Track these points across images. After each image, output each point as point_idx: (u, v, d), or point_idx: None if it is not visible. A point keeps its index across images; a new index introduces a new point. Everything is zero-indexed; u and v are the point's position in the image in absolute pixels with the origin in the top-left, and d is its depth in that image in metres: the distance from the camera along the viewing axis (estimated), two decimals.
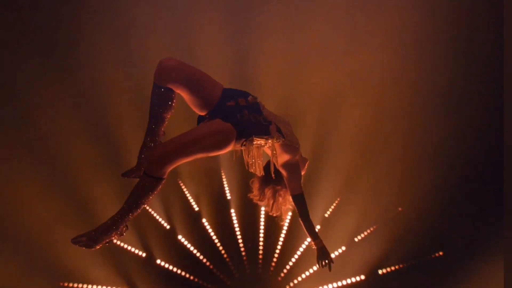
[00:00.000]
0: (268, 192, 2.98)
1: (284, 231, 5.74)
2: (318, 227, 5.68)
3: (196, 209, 5.71)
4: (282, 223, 3.14)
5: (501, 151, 4.22)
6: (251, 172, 2.72)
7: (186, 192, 5.70)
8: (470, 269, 5.04)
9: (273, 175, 2.83)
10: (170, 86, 2.59)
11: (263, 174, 2.74)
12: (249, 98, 2.73)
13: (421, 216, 5.36)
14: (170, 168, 2.41)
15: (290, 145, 2.81)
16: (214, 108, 2.67)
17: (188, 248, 5.63)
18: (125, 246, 5.46)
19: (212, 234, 5.71)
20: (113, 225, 2.43)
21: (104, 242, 2.47)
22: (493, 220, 4.93)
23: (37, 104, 5.02)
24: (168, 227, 5.64)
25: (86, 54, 5.11)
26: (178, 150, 2.40)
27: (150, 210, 5.59)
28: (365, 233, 5.60)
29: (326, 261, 2.98)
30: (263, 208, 5.73)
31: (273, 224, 5.75)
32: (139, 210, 2.46)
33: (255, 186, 3.02)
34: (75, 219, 5.08)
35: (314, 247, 3.02)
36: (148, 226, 5.52)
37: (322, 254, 2.99)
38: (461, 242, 5.26)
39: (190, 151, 2.43)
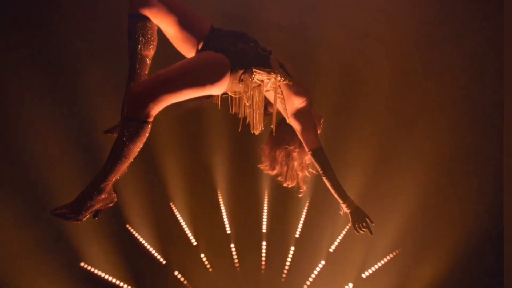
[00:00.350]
0: (280, 156, 2.56)
1: (286, 268, 5.43)
2: (322, 263, 5.38)
3: (194, 243, 5.41)
4: (300, 195, 2.70)
5: None
6: (252, 130, 2.30)
7: (184, 226, 5.42)
8: None
9: (274, 127, 2.40)
10: (147, 13, 2.19)
11: (263, 129, 2.34)
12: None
13: (437, 249, 4.98)
14: (154, 108, 2.02)
15: (299, 86, 2.40)
16: (202, 46, 2.27)
17: (186, 285, 5.29)
18: (117, 282, 5.11)
19: (211, 270, 5.39)
20: (95, 187, 2.08)
21: (89, 212, 2.12)
22: None
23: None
24: (164, 262, 5.32)
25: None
26: (163, 84, 2.02)
27: (144, 243, 5.28)
28: (373, 268, 5.26)
29: (364, 223, 2.52)
30: (264, 243, 5.48)
31: (275, 261, 5.45)
32: (123, 166, 2.06)
33: (265, 152, 2.62)
34: (52, 251, 4.71)
35: (346, 210, 2.56)
36: (142, 260, 5.20)
37: (358, 216, 2.52)
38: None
39: (177, 86, 2.04)
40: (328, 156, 4.84)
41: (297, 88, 2.40)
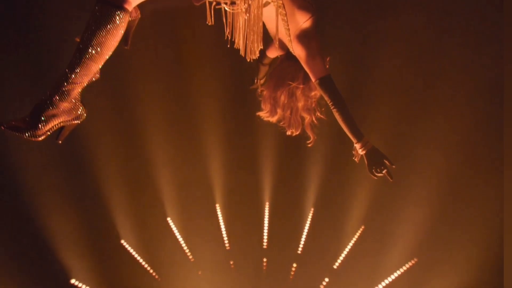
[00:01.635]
0: (282, 97, 2.25)
1: (288, 286, 5.21)
2: (326, 280, 5.13)
3: (192, 260, 5.21)
4: (309, 145, 2.38)
5: None
6: (248, 56, 2.00)
7: (181, 241, 5.23)
8: None
9: (276, 43, 2.09)
10: None
11: (262, 47, 2.05)
12: None
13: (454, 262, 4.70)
14: None
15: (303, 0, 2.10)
16: None
17: None
18: None
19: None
20: (57, 90, 1.67)
21: (50, 126, 1.70)
22: None
23: None
24: (159, 279, 5.10)
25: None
26: None
27: (138, 258, 5.07)
28: (381, 286, 5.01)
29: (382, 166, 2.19)
30: (265, 259, 5.28)
31: (276, 278, 5.23)
32: (92, 63, 1.69)
33: (265, 96, 2.30)
34: (40, 266, 4.49)
35: (360, 152, 2.23)
36: (135, 276, 4.99)
37: (375, 158, 2.19)
38: None
39: None
40: (336, 158, 4.77)
41: (301, 2, 2.10)
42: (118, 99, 4.68)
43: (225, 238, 5.30)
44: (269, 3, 2.07)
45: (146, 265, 5.08)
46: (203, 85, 4.86)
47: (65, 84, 1.69)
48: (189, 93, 4.91)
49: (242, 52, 2.07)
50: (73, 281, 4.73)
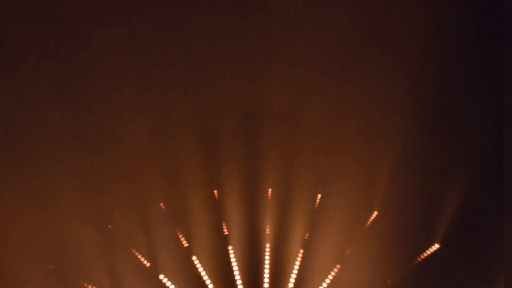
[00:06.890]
0: None
1: (294, 276, 4.80)
2: (338, 266, 4.77)
3: (186, 245, 4.90)
4: None
5: None
6: None
7: (175, 228, 4.97)
8: None
9: None
10: None
11: None
12: None
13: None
14: None
15: None
16: None
17: None
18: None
19: (203, 274, 4.79)
20: None
21: None
22: None
23: None
24: (148, 264, 4.77)
25: None
26: None
27: (127, 245, 4.80)
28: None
29: None
30: (268, 244, 4.95)
31: (280, 265, 4.89)
32: None
33: None
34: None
35: None
36: (124, 263, 4.64)
37: None
38: None
39: None
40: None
41: None
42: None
43: (224, 224, 5.03)
44: None
45: (133, 250, 4.80)
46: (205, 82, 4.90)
47: None
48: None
49: None
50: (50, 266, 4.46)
